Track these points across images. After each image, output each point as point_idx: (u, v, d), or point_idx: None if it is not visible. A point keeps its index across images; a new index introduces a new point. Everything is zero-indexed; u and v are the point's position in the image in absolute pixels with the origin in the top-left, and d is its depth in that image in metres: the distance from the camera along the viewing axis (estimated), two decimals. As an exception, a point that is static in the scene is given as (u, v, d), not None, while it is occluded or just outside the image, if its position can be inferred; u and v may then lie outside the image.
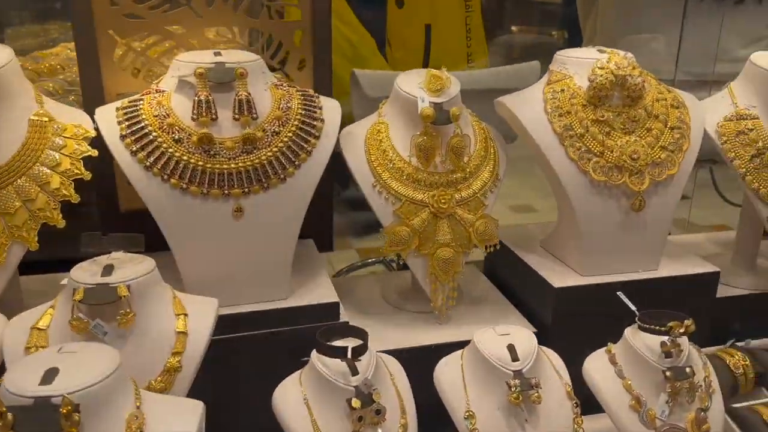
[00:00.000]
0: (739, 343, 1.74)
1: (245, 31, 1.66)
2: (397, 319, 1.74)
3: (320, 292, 1.59)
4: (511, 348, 1.41)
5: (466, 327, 1.70)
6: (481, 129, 1.72)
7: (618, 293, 1.50)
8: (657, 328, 1.39)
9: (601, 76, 1.62)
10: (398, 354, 1.55)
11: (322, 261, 1.75)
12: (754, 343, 1.75)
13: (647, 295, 1.69)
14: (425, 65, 2.48)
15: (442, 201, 1.62)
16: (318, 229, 1.90)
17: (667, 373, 1.38)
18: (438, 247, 1.63)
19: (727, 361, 1.66)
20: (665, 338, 1.40)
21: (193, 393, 1.30)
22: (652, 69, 2.37)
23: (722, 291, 1.85)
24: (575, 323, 1.64)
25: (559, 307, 1.65)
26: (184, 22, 1.63)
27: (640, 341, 1.44)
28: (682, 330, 1.38)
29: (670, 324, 1.38)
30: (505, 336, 1.45)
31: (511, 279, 1.88)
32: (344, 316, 1.71)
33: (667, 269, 1.74)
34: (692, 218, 3.00)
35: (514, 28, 3.63)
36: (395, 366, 1.47)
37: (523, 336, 1.45)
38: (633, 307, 1.48)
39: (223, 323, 1.47)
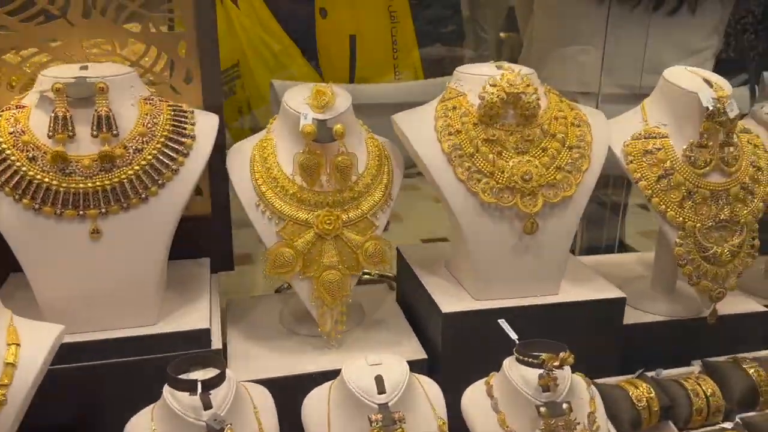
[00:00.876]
0: (649, 374, 1.66)
1: (126, 43, 1.60)
2: (286, 343, 1.66)
3: (193, 317, 1.51)
4: (378, 379, 1.33)
5: (357, 352, 1.62)
6: (375, 146, 1.65)
7: (499, 321, 1.42)
8: (531, 360, 1.32)
9: (493, 93, 1.54)
10: (274, 383, 1.48)
11: (206, 283, 1.68)
12: (666, 373, 1.67)
13: (549, 321, 1.64)
14: (351, 76, 2.42)
15: (327, 222, 1.54)
16: (216, 248, 1.84)
17: (541, 409, 1.30)
18: (323, 270, 1.55)
19: (630, 393, 1.58)
20: (542, 371, 1.33)
21: (52, 421, 1.23)
22: (582, 82, 2.33)
23: (638, 317, 1.78)
24: (466, 350, 1.56)
25: (446, 333, 1.57)
26: (60, 34, 1.56)
27: (517, 373, 1.36)
28: (556, 363, 1.30)
29: (543, 356, 1.30)
30: (376, 366, 1.37)
31: (413, 301, 1.81)
32: (234, 340, 1.66)
33: (570, 294, 1.66)
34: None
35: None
36: (262, 397, 1.40)
37: (395, 366, 1.37)
38: (514, 336, 1.40)
39: (86, 350, 1.41)
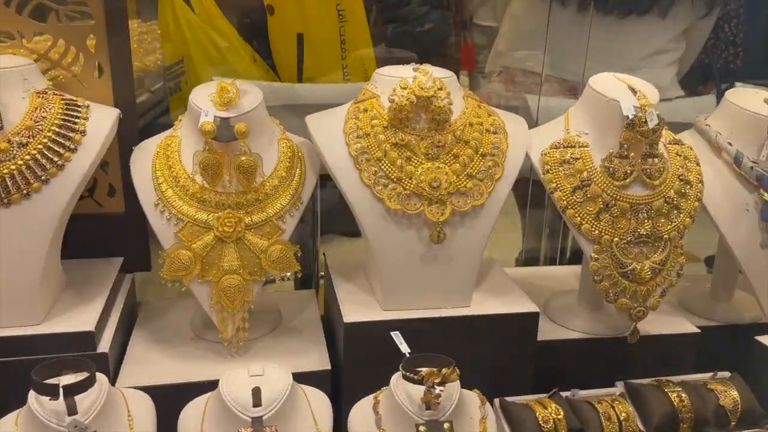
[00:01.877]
0: (564, 393, 1.59)
1: (31, 34, 1.56)
2: (190, 349, 1.61)
3: (80, 318, 1.46)
4: (255, 391, 1.28)
5: (261, 361, 1.56)
6: (288, 147, 1.60)
7: (392, 333, 1.36)
8: (412, 376, 1.26)
9: (402, 96, 1.48)
10: (163, 390, 1.44)
11: (108, 283, 1.63)
12: (583, 393, 1.60)
13: (460, 334, 1.57)
14: (299, 76, 2.37)
15: (228, 224, 1.49)
16: (132, 247, 1.79)
17: (420, 428, 1.25)
18: (223, 275, 1.50)
19: (537, 414, 1.51)
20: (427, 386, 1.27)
21: None
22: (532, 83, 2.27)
23: (558, 333, 1.71)
24: (371, 362, 1.49)
25: (349, 344, 1.51)
26: (-38, 24, 1.53)
27: (403, 389, 1.30)
28: (437, 379, 1.24)
29: (423, 372, 1.24)
30: (257, 377, 1.32)
31: (330, 308, 1.75)
32: (136, 344, 1.61)
33: (482, 307, 1.59)
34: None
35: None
36: (141, 404, 1.35)
37: (277, 378, 1.32)
38: (405, 349, 1.34)
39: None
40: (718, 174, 1.74)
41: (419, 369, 1.26)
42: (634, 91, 1.55)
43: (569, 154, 1.57)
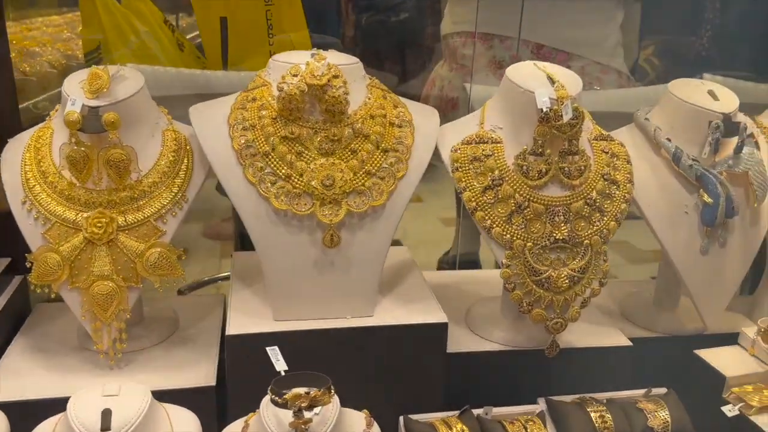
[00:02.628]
0: (476, 411, 1.46)
1: None
2: (68, 361, 1.47)
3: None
4: (105, 413, 1.14)
5: (140, 375, 1.43)
6: (174, 140, 1.45)
7: (269, 348, 1.22)
8: (276, 399, 1.12)
9: (292, 84, 1.34)
10: (22, 406, 1.30)
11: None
12: (500, 411, 1.46)
13: (362, 347, 1.43)
14: (224, 62, 2.23)
15: (98, 225, 1.35)
16: (24, 248, 1.65)
17: (286, 458, 1.11)
18: (94, 280, 1.36)
19: (441, 434, 1.38)
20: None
21: None
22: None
23: (476, 345, 1.56)
24: (257, 379, 1.34)
25: (233, 357, 1.37)
26: None
27: (272, 412, 1.16)
28: (305, 403, 1.10)
29: (287, 395, 1.10)
30: (110, 397, 1.18)
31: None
32: (13, 353, 1.47)
33: (386, 316, 1.45)
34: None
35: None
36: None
37: (133, 397, 1.17)
38: (281, 367, 1.20)
39: None
40: (656, 173, 1.60)
41: (283, 391, 1.12)
42: (552, 80, 1.41)
43: (481, 151, 1.42)
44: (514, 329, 1.56)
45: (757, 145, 1.60)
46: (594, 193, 1.42)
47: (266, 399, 1.19)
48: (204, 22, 2.19)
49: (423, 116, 1.48)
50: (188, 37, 2.39)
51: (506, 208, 1.39)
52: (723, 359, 1.56)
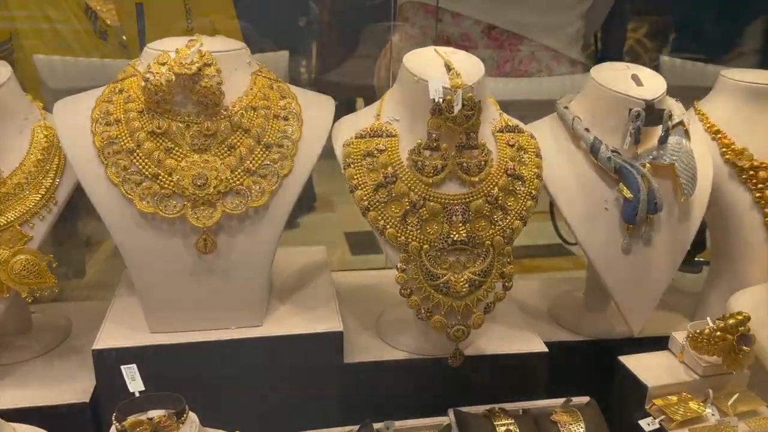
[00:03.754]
0: (377, 425, 1.36)
1: None
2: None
3: None
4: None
5: (13, 390, 1.32)
6: (45, 136, 1.33)
7: (124, 367, 1.11)
8: (117, 425, 1.02)
9: (159, 74, 1.22)
10: None
11: None
12: (404, 424, 1.36)
13: (253, 359, 1.32)
14: (141, 48, 2.12)
15: (-48, 230, 1.25)
16: None
17: (127, 489, 1.01)
18: (-48, 291, 1.27)
19: (333, 451, 1.28)
20: None
21: None
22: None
23: (379, 353, 1.45)
24: (129, 397, 1.26)
25: (101, 374, 1.26)
26: None
27: (120, 438, 1.07)
28: (147, 430, 1.00)
29: (126, 422, 1.00)
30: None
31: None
32: None
33: (276, 327, 1.34)
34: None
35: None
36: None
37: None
38: (136, 387, 1.10)
39: None
40: (575, 166, 1.48)
41: (127, 417, 1.02)
42: (450, 68, 1.30)
43: (374, 145, 1.31)
44: (422, 336, 1.44)
45: (687, 135, 1.48)
46: (496, 190, 1.30)
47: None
48: (122, 9, 2.08)
49: (315, 107, 1.36)
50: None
51: (400, 208, 1.27)
52: (648, 366, 1.45)
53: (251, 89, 1.30)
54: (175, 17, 2.00)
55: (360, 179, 1.29)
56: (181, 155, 1.24)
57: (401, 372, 1.43)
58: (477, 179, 1.29)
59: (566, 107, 1.53)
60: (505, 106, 1.54)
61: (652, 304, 1.50)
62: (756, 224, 1.61)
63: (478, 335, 1.52)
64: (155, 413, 1.05)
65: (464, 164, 1.28)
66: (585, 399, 1.44)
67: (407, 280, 1.29)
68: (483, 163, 1.30)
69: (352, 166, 1.30)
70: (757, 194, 1.60)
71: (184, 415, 1.05)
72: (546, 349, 1.46)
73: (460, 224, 1.28)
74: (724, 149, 1.61)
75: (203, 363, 1.30)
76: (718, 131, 1.63)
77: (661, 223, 1.46)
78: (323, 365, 1.35)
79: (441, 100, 1.22)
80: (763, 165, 1.59)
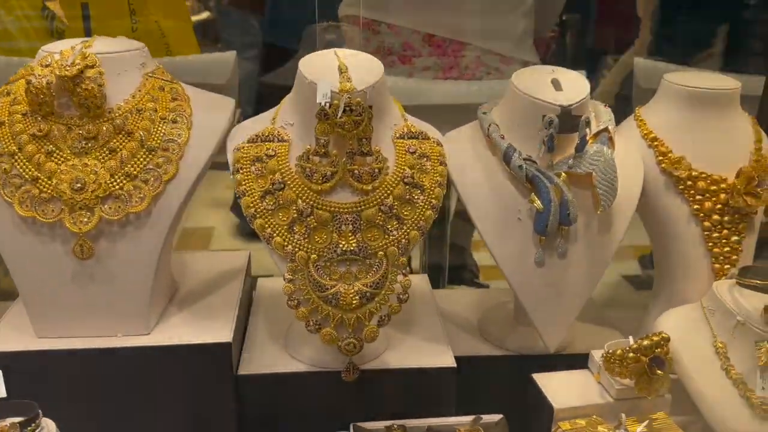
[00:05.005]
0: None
1: None
2: None
3: None
4: None
5: None
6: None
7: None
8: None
9: (40, 76, 1.20)
10: None
11: None
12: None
13: (138, 369, 1.29)
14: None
15: None
16: None
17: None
18: None
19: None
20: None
21: None
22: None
23: (278, 365, 1.39)
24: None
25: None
26: None
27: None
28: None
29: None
30: None
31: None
32: None
33: (163, 336, 1.31)
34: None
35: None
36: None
37: None
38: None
39: None
40: (490, 175, 1.41)
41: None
42: (342, 71, 1.24)
43: (264, 151, 1.27)
44: (324, 348, 1.38)
45: (611, 143, 1.40)
46: (390, 199, 1.24)
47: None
48: (69, 9, 2.07)
49: (210, 110, 1.32)
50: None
51: (288, 216, 1.23)
52: (562, 386, 1.37)
53: (139, 91, 1.27)
54: (119, 18, 1.98)
55: (248, 185, 1.25)
56: (62, 158, 1.21)
57: (301, 385, 1.39)
58: (370, 187, 1.24)
59: (485, 113, 1.46)
60: (453, 110, 1.49)
61: (570, 319, 1.42)
62: (695, 237, 1.52)
63: (392, 347, 1.47)
64: (8, 421, 1.03)
65: (356, 171, 1.23)
66: (496, 417, 1.38)
67: (294, 290, 1.24)
68: (377, 170, 1.24)
69: (240, 171, 1.26)
70: (696, 206, 1.51)
71: (34, 424, 1.02)
72: (454, 365, 1.39)
73: (350, 234, 1.23)
74: (660, 157, 1.52)
75: (86, 370, 1.27)
76: (655, 138, 1.54)
77: (578, 235, 1.38)
78: (212, 377, 1.31)
79: (327, 104, 1.18)
80: (703, 175, 1.51)
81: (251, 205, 1.24)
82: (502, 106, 1.46)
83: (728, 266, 1.52)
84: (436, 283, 2.33)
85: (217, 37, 2.82)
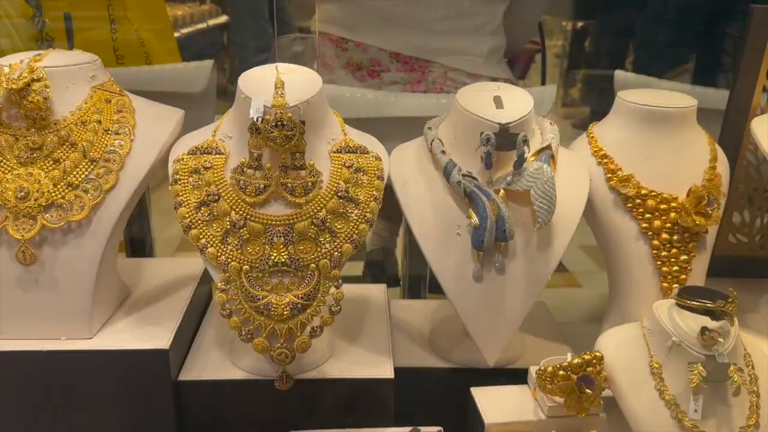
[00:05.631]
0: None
1: None
2: None
3: None
4: None
5: None
6: None
7: None
8: None
9: (-12, 88, 1.25)
10: None
11: None
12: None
13: (82, 373, 1.33)
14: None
15: None
16: None
17: None
18: None
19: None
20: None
21: None
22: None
23: (218, 373, 1.41)
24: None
25: None
26: None
27: None
28: None
29: None
30: None
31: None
32: None
33: (104, 340, 1.34)
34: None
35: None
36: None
37: None
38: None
39: None
40: (432, 189, 1.42)
41: None
42: (277, 87, 1.27)
43: (202, 162, 1.30)
44: (263, 357, 1.42)
45: (552, 161, 1.40)
46: (323, 213, 1.27)
47: None
48: (51, 18, 2.14)
49: (154, 122, 1.37)
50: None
51: (221, 227, 1.26)
52: (499, 400, 1.38)
53: (85, 103, 1.32)
54: (101, 27, 2.04)
55: (185, 196, 1.28)
56: (8, 168, 1.27)
57: (239, 393, 1.41)
58: (303, 201, 1.26)
59: (430, 128, 1.48)
60: (421, 122, 1.52)
61: (508, 333, 1.42)
62: (643, 256, 1.52)
63: (335, 356, 1.49)
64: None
65: (289, 185, 1.25)
66: (435, 429, 1.39)
67: (227, 300, 1.27)
68: (310, 184, 1.27)
69: (178, 182, 1.29)
70: (644, 224, 1.51)
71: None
72: (391, 376, 1.41)
73: (282, 246, 1.26)
74: (609, 175, 1.52)
75: (26, 373, 1.31)
76: (605, 155, 1.54)
77: (517, 251, 1.39)
78: (151, 384, 1.35)
79: (259, 119, 1.21)
80: (653, 193, 1.50)
81: (187, 215, 1.27)
82: (448, 121, 1.48)
83: (677, 285, 1.52)
84: (416, 293, 2.37)
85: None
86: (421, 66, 2.01)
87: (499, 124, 1.35)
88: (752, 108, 1.71)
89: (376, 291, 1.81)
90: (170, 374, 1.35)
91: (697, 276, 1.53)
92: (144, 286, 1.61)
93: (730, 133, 1.73)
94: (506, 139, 1.35)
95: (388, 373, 1.42)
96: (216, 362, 1.46)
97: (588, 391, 1.28)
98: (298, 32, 2.28)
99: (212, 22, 3.58)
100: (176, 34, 2.40)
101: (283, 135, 1.21)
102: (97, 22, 2.02)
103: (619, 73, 2.29)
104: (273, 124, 1.19)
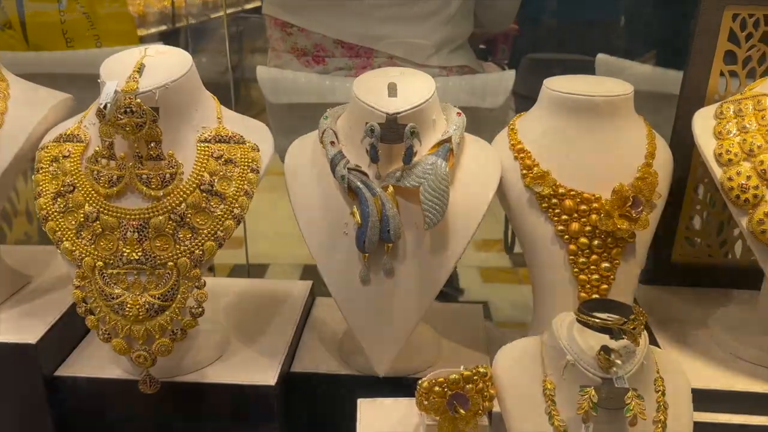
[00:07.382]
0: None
1: None
2: None
3: None
4: None
5: None
6: None
7: None
8: None
9: None
10: None
11: None
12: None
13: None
14: (26, 41, 2.13)
15: None
16: None
17: None
18: None
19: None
20: None
21: None
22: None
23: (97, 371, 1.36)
24: None
25: None
26: None
27: None
28: None
29: None
30: None
31: None
32: None
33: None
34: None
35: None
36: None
37: None
38: None
39: None
40: (322, 183, 1.31)
41: None
42: (140, 71, 1.18)
43: (62, 151, 1.23)
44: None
45: (450, 155, 1.27)
46: (183, 207, 1.18)
47: None
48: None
49: (26, 108, 1.30)
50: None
51: (75, 220, 1.19)
52: (383, 413, 1.26)
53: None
54: (49, 7, 2.00)
55: (44, 186, 1.22)
56: None
57: (117, 393, 1.34)
58: (161, 193, 1.18)
59: (326, 117, 1.37)
60: None
61: (399, 342, 1.30)
62: (560, 261, 1.37)
63: (224, 358, 1.41)
64: None
65: (144, 176, 1.17)
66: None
67: (83, 297, 1.20)
68: (168, 176, 1.18)
69: (40, 171, 1.23)
70: (560, 227, 1.36)
71: None
72: (272, 383, 1.32)
73: (136, 242, 1.18)
74: (524, 171, 1.38)
75: None
76: (522, 150, 1.39)
77: (407, 252, 1.26)
78: (21, 378, 1.30)
79: (106, 105, 1.12)
80: (572, 192, 1.35)
81: (44, 206, 1.21)
82: (347, 111, 1.37)
83: (597, 296, 1.37)
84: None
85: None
86: (366, 52, 1.89)
87: (386, 113, 1.23)
88: (708, 95, 1.53)
89: (300, 287, 1.72)
90: (40, 370, 1.29)
91: (623, 287, 1.37)
92: (49, 274, 1.57)
93: (684, 125, 1.55)
94: (393, 131, 1.22)
95: (269, 380, 1.33)
96: (101, 359, 1.40)
97: (461, 411, 1.16)
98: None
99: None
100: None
101: (132, 123, 1.13)
102: (46, 3, 1.98)
103: (600, 57, 2.11)
104: (122, 110, 1.11)
